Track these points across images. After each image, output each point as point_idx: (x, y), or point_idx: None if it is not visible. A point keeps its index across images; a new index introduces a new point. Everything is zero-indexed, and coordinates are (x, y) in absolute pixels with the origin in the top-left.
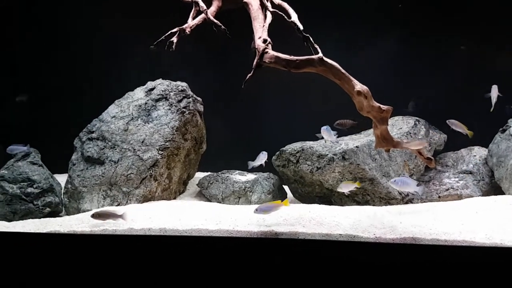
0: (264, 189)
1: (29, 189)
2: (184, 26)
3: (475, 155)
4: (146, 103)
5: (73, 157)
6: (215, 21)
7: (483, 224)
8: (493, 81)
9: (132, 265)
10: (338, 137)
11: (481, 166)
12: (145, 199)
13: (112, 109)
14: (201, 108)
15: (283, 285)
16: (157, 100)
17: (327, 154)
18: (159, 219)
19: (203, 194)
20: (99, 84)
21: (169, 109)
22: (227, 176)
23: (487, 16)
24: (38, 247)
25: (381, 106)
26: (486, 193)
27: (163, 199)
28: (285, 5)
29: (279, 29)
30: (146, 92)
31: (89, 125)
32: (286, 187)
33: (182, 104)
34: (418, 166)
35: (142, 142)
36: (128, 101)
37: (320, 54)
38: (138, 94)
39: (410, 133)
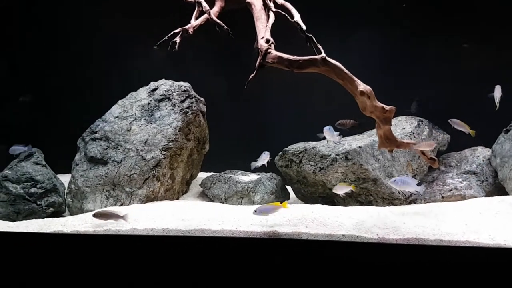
0: (267, 190)
1: (33, 189)
2: (187, 27)
3: (478, 156)
4: (149, 103)
5: (77, 157)
6: (218, 21)
7: (487, 225)
8: (496, 81)
9: (135, 265)
10: (342, 137)
11: (485, 166)
12: (148, 199)
13: (115, 110)
14: (204, 108)
15: (286, 286)
16: (160, 100)
17: (330, 155)
18: (162, 219)
19: (206, 195)
20: (102, 84)
21: (172, 109)
22: (230, 177)
23: (490, 16)
24: (42, 247)
25: (384, 106)
26: (489, 194)
27: (166, 199)
28: (288, 5)
29: (282, 29)
30: (149, 92)
31: (92, 125)
32: (289, 188)
33: (185, 104)
34: (421, 167)
35: (145, 142)
36: (131, 101)
37: (323, 54)
38: (141, 95)
39: (413, 133)
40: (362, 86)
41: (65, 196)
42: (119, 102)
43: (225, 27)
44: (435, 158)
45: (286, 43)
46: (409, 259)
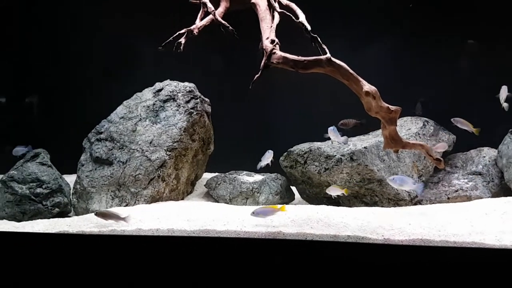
0: (272, 190)
1: (38, 190)
2: (192, 27)
3: (484, 156)
4: (154, 104)
5: (82, 157)
6: (223, 22)
7: (493, 226)
8: (503, 81)
9: (140, 265)
10: (344, 137)
11: (491, 167)
12: (153, 199)
13: (121, 110)
14: (208, 108)
15: (290, 286)
16: (165, 101)
17: (335, 155)
18: (167, 220)
19: (211, 195)
20: (108, 85)
21: (177, 109)
22: (235, 177)
23: (497, 16)
24: (47, 248)
25: (390, 106)
26: (495, 195)
27: (171, 200)
28: (293, 5)
29: (287, 29)
30: (154, 93)
31: (97, 125)
32: (293, 188)
33: (190, 105)
34: (427, 167)
35: (150, 142)
36: (136, 102)
37: (328, 55)
38: (146, 95)
39: (419, 133)
40: (367, 87)
41: (71, 196)
42: (124, 102)
43: (230, 27)
44: (441, 158)
45: (291, 43)
46: (414, 260)
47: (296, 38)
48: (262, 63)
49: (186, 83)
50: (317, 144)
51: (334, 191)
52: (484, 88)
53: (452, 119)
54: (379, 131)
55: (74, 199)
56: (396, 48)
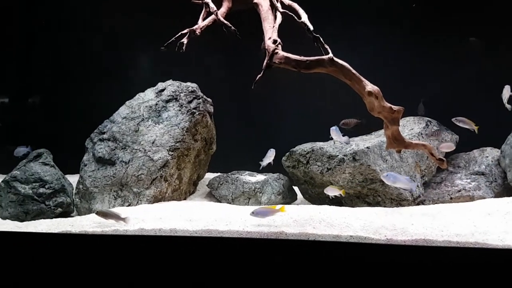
0: (274, 190)
1: (41, 190)
2: (194, 27)
3: (487, 156)
4: (156, 104)
5: (85, 157)
6: (225, 22)
7: (496, 226)
8: (506, 81)
9: (143, 265)
10: (345, 137)
11: (494, 167)
12: (156, 199)
13: (123, 110)
14: (211, 108)
15: (292, 286)
16: (168, 101)
17: (338, 155)
18: (170, 220)
19: (213, 195)
20: (110, 85)
21: (179, 110)
22: (237, 177)
23: (497, 15)
24: (50, 247)
25: (392, 106)
26: (498, 195)
27: (173, 200)
28: (295, 5)
29: (289, 29)
30: (157, 93)
31: (100, 126)
32: (296, 188)
33: (192, 105)
34: (429, 167)
35: (153, 143)
36: (138, 102)
37: (331, 55)
38: (149, 95)
39: (421, 133)
40: (370, 87)
41: (73, 196)
42: (127, 103)
43: (232, 27)
44: (444, 159)
45: (294, 43)
46: (417, 260)
47: (298, 38)
48: (264, 63)
49: (189, 83)
50: (319, 144)
51: (332, 192)
52: (487, 87)
53: (453, 119)
54: (382, 131)
55: (77, 199)
56: (399, 48)
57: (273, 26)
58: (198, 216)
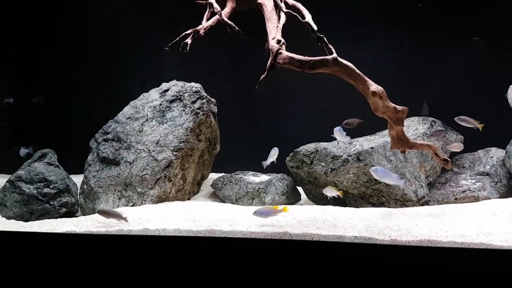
0: (278, 190)
1: (46, 190)
2: (198, 28)
3: (492, 157)
4: (160, 104)
5: (89, 158)
6: (229, 22)
7: (501, 227)
8: (510, 81)
9: (146, 265)
10: (347, 137)
11: (499, 167)
12: (160, 199)
13: (127, 110)
14: (215, 109)
15: (296, 287)
16: (172, 101)
17: (342, 155)
18: (174, 220)
19: (217, 195)
20: (115, 85)
21: (183, 110)
22: (241, 177)
23: (503, 15)
24: (55, 247)
25: (397, 106)
26: (503, 195)
27: (177, 200)
28: (299, 5)
29: (293, 29)
30: (161, 93)
31: (104, 126)
32: (300, 189)
33: (196, 105)
34: (434, 168)
35: (157, 143)
36: (143, 102)
37: (335, 55)
38: (153, 96)
39: (426, 134)
40: (374, 87)
41: (78, 196)
42: (131, 103)
43: (236, 28)
44: (448, 159)
45: (298, 43)
46: (422, 261)
47: (302, 38)
48: (268, 63)
49: (193, 84)
50: (323, 144)
51: (330, 192)
52: (492, 88)
53: (456, 118)
54: (386, 132)
55: (81, 199)
56: (403, 48)
57: (277, 26)
58: (202, 216)
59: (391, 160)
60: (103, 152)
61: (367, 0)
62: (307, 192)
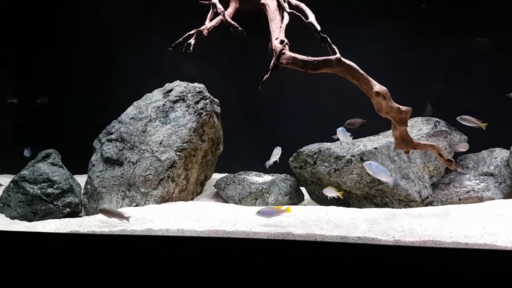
0: (281, 191)
1: (50, 190)
2: (201, 28)
3: (496, 157)
4: (164, 105)
5: (93, 158)
6: (233, 22)
7: (505, 227)
8: None
9: (150, 265)
10: (352, 138)
11: (503, 168)
12: (163, 200)
13: (131, 111)
14: (218, 109)
15: (299, 287)
16: (175, 102)
17: (345, 156)
18: (177, 220)
19: (220, 195)
20: (118, 85)
21: (187, 110)
22: (244, 178)
23: (508, 15)
24: (58, 247)
25: (400, 107)
26: (507, 196)
27: (180, 200)
28: (303, 5)
29: (297, 30)
30: (164, 93)
31: (108, 126)
32: (303, 189)
33: (200, 106)
34: (438, 168)
35: (160, 143)
36: (146, 102)
37: (338, 55)
38: (156, 96)
39: (429, 134)
40: (377, 87)
41: (82, 196)
42: (135, 103)
43: (239, 28)
44: (452, 159)
45: (301, 43)
46: (425, 261)
47: (305, 38)
48: (272, 64)
49: (196, 84)
50: (326, 144)
51: (330, 193)
52: (496, 88)
53: (458, 118)
54: (390, 132)
55: (85, 199)
56: (406, 48)
57: (280, 27)
58: (205, 216)
59: (394, 161)
60: (107, 153)
61: (370, 0)
62: (310, 192)
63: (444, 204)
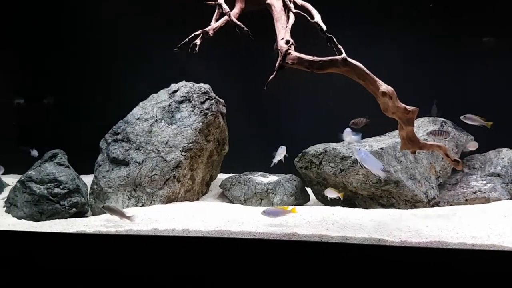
0: (287, 191)
1: (56, 190)
2: (207, 28)
3: (503, 158)
4: (169, 105)
5: (99, 158)
6: (238, 23)
7: None
8: None
9: (156, 265)
10: (357, 136)
11: (510, 168)
12: (169, 200)
13: (137, 111)
14: (223, 109)
15: None
16: (181, 102)
17: (351, 156)
18: (183, 220)
19: (226, 196)
20: (124, 86)
21: (192, 110)
22: (249, 178)
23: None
24: (65, 247)
25: (407, 107)
26: None
27: (186, 200)
28: (308, 6)
29: (303, 30)
30: (170, 94)
31: (114, 126)
32: (308, 189)
33: (205, 106)
34: (444, 169)
35: (166, 143)
36: (152, 103)
37: (344, 55)
38: (162, 96)
39: (432, 134)
40: (384, 87)
41: (88, 196)
42: (141, 104)
43: (245, 28)
44: (459, 160)
45: (307, 43)
46: (432, 262)
47: (311, 38)
48: (277, 64)
49: (201, 84)
50: (332, 145)
51: (331, 194)
52: (502, 88)
53: (462, 117)
54: (396, 132)
55: (91, 199)
56: (413, 48)
57: (286, 27)
58: (211, 216)
59: (401, 161)
60: (113, 153)
61: (376, 0)
62: (316, 193)
63: (451, 205)
